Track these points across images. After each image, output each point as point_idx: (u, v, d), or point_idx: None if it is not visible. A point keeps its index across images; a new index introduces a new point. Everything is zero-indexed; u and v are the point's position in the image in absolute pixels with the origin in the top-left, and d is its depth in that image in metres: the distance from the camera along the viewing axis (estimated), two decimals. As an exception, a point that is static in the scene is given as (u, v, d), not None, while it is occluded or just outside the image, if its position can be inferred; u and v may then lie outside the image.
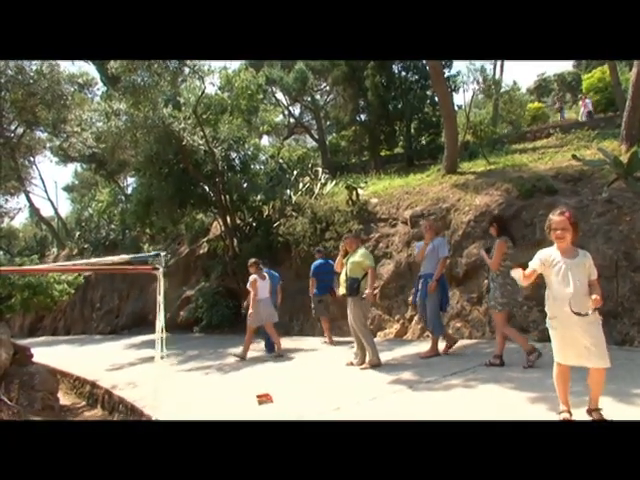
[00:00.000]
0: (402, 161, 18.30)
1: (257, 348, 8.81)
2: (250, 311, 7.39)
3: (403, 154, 19.01)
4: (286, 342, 9.11)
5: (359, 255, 5.87)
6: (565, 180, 7.84)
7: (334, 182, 12.00)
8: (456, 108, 14.23)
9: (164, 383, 6.17)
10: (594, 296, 3.02)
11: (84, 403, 7.16)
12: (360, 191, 10.52)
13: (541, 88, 29.47)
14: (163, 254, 2.53)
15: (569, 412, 3.29)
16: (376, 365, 5.73)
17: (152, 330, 13.16)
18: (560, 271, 3.17)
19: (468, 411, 3.79)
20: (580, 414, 3.29)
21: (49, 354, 10.47)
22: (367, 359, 5.84)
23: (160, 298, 2.39)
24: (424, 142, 18.46)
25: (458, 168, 10.82)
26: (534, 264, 3.32)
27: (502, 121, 21.58)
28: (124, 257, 2.58)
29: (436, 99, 19.14)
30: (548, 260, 3.25)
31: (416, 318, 8.80)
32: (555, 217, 3.20)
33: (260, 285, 7.53)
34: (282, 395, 4.83)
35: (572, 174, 7.88)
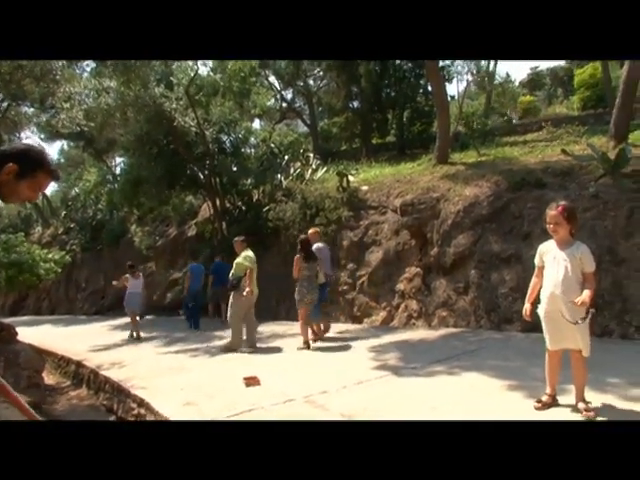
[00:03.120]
0: (393, 149, 18.31)
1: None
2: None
3: (395, 142, 19.01)
4: (273, 327, 9.20)
5: (241, 257, 6.89)
6: (554, 174, 7.93)
7: (325, 168, 11.98)
8: (449, 98, 14.22)
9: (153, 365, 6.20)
10: (579, 299, 3.06)
11: (69, 383, 7.14)
12: (351, 178, 10.53)
13: (534, 82, 29.50)
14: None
15: (551, 396, 3.44)
16: (229, 350, 6.72)
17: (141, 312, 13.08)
18: (552, 259, 3.32)
19: (449, 397, 3.88)
20: (565, 400, 3.43)
21: (33, 333, 10.39)
22: (227, 341, 6.97)
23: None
24: (416, 131, 18.46)
25: (449, 158, 10.88)
26: (535, 260, 3.54)
27: (494, 113, 21.66)
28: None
29: (429, 88, 19.18)
30: (543, 250, 3.44)
31: (402, 306, 8.94)
32: (549, 211, 3.35)
33: (131, 282, 9.56)
34: (269, 378, 4.87)
35: (561, 168, 7.97)
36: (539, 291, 3.49)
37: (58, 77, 9.01)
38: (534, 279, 3.55)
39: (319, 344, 6.85)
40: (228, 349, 6.76)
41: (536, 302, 3.51)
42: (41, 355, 5.85)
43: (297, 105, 23.74)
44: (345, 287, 9.78)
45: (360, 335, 7.42)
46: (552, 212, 3.29)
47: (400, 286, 9.01)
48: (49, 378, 7.40)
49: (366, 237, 9.80)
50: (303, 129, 23.56)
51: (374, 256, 9.52)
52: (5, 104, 10.03)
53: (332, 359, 5.71)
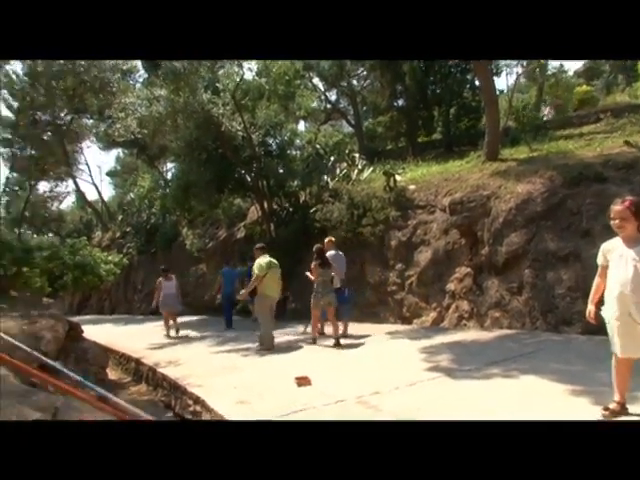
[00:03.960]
0: (440, 147, 17.90)
1: (292, 332, 8.97)
2: (157, 301, 10.30)
3: (441, 140, 18.60)
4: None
5: (255, 264, 7.44)
6: (616, 167, 7.49)
7: (371, 168, 11.90)
8: (498, 92, 13.74)
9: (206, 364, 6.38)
10: None
11: (129, 379, 7.49)
12: (398, 177, 10.41)
13: (591, 70, 27.97)
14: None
15: (621, 404, 3.21)
16: (266, 349, 7.00)
17: (190, 312, 13.57)
18: (619, 258, 3.12)
19: (507, 401, 3.75)
20: (636, 409, 3.23)
21: (97, 331, 10.96)
22: (258, 343, 7.26)
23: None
24: (463, 127, 17.99)
25: (499, 155, 10.52)
26: (598, 259, 3.33)
27: (546, 105, 20.75)
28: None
29: (477, 83, 18.62)
30: (608, 249, 3.24)
31: (453, 306, 8.74)
32: (614, 206, 3.15)
33: (165, 284, 10.30)
34: (320, 378, 4.90)
35: (624, 161, 7.51)
36: (603, 292, 3.30)
37: (115, 89, 9.52)
38: (597, 279, 3.35)
39: (370, 344, 6.82)
40: (261, 350, 7.07)
41: (600, 304, 3.33)
42: (105, 352, 6.16)
43: (341, 106, 23.74)
44: (394, 287, 9.69)
45: (410, 335, 7.32)
46: (618, 207, 3.10)
47: (450, 286, 8.81)
48: (112, 374, 7.78)
49: (414, 237, 9.66)
50: (348, 129, 23.53)
51: (423, 256, 9.37)
52: (69, 117, 10.69)
53: (383, 360, 5.66)
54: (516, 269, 7.67)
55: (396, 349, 6.16)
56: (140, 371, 7.11)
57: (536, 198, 7.74)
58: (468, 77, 17.97)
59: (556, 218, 7.40)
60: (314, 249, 7.63)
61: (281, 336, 8.64)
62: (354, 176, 11.66)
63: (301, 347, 7.19)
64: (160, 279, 10.54)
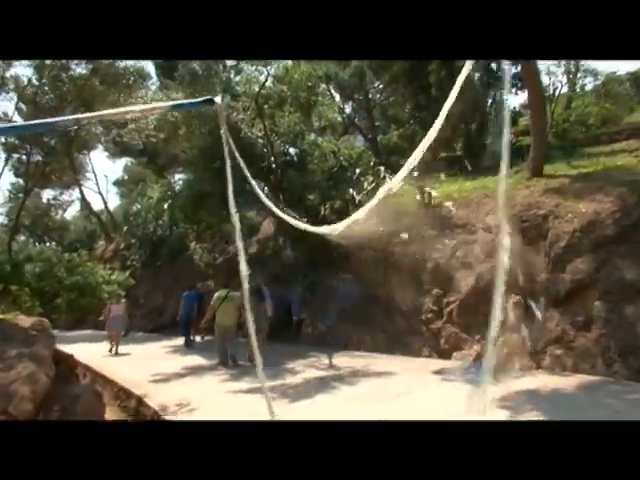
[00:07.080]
0: (459, 163, 16.97)
1: (318, 364, 7.88)
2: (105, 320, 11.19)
3: (460, 157, 17.75)
4: (349, 359, 8.18)
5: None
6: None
7: (402, 182, 10.89)
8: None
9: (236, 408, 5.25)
10: None
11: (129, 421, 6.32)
12: (434, 193, 9.41)
13: (610, 88, 27.07)
14: (218, 98, 2.15)
15: None
16: (220, 364, 8.31)
17: (197, 331, 12.41)
18: None
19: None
20: None
21: (92, 352, 9.91)
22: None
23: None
24: (482, 144, 17.20)
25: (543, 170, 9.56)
26: None
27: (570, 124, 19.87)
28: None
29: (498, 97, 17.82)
30: None
31: (501, 339, 7.67)
32: None
33: (113, 308, 11.11)
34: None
35: None
36: None
37: (131, 82, 8.62)
38: None
39: (424, 390, 5.74)
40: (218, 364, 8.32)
41: None
42: (101, 399, 4.94)
43: (356, 119, 22.92)
44: (429, 315, 8.63)
45: (466, 378, 6.14)
46: None
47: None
48: (107, 412, 6.65)
49: (453, 259, 8.64)
50: (361, 142, 22.67)
51: (464, 281, 8.33)
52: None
53: (446, 412, 4.56)
54: (582, 300, 6.65)
55: (461, 399, 4.93)
56: (142, 414, 5.88)
57: (605, 219, 6.75)
58: (490, 91, 17.34)
59: (633, 243, 6.39)
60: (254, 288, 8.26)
61: (305, 369, 7.57)
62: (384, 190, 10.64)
63: (334, 387, 6.09)
64: (110, 302, 11.28)
